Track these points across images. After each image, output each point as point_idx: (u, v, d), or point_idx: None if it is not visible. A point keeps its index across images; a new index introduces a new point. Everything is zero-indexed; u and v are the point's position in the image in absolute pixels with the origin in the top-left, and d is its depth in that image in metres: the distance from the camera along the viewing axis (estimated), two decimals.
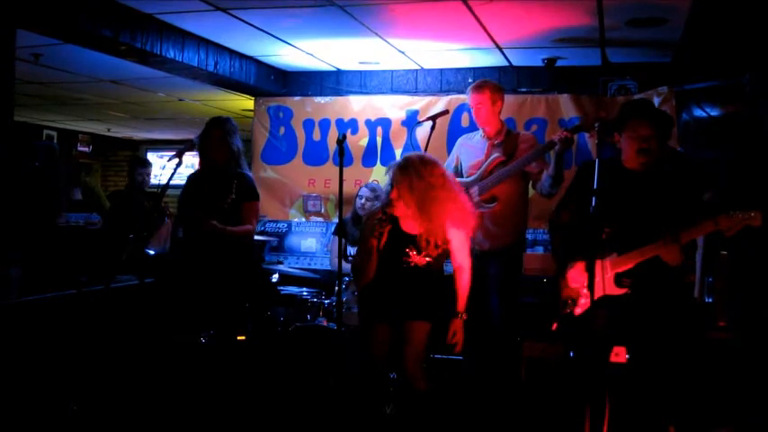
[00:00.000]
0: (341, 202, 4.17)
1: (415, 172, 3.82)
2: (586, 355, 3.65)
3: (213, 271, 4.47)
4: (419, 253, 3.97)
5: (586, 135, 5.79)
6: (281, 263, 6.46)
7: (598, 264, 3.55)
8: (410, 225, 3.98)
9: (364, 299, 4.23)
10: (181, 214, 4.76)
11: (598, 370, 3.25)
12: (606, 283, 3.52)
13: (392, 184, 3.87)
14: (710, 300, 4.56)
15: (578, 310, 3.66)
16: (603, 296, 3.53)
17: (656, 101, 5.83)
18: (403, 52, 6.07)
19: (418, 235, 3.95)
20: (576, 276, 3.69)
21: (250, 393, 4.78)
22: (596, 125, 3.52)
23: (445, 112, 5.29)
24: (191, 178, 4.81)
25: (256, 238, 6.01)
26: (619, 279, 3.52)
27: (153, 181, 7.34)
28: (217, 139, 4.54)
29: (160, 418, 4.37)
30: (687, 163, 4.52)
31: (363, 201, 5.50)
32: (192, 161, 10.64)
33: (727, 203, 3.33)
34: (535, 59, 6.09)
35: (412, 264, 3.98)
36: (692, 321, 4.56)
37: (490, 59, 6.18)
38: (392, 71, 6.80)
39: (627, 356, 3.59)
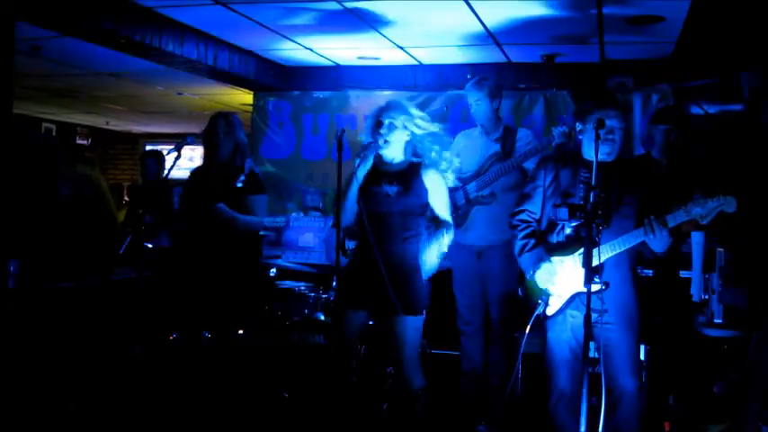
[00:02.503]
0: (339, 196, 4.17)
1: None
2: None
3: (216, 265, 4.48)
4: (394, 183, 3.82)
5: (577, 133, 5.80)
6: (278, 257, 6.47)
7: (569, 260, 3.54)
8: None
9: (345, 279, 4.00)
10: (184, 207, 4.77)
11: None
12: (578, 280, 3.37)
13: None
14: (707, 296, 4.58)
15: (551, 310, 3.60)
16: (577, 293, 3.49)
17: (654, 98, 5.85)
18: (402, 48, 6.08)
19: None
20: (544, 275, 3.61)
21: (247, 389, 4.79)
22: (594, 121, 3.49)
23: (444, 108, 5.30)
24: (194, 172, 4.82)
25: None
26: (591, 274, 3.35)
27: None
28: (222, 134, 4.56)
29: (158, 416, 4.38)
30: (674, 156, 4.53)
31: None
32: (190, 154, 10.62)
33: (702, 192, 3.28)
34: (534, 56, 6.10)
35: (385, 193, 3.81)
36: (686, 317, 4.59)
37: (489, 56, 6.19)
38: (391, 66, 6.81)
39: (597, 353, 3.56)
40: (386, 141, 3.83)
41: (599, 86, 6.13)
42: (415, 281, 3.85)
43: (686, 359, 4.40)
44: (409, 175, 3.86)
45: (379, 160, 3.92)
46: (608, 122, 3.46)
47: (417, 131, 3.85)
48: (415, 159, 3.90)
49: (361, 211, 3.86)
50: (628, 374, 3.49)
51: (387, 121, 3.82)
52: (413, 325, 3.82)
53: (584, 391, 3.04)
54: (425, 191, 3.84)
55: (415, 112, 3.88)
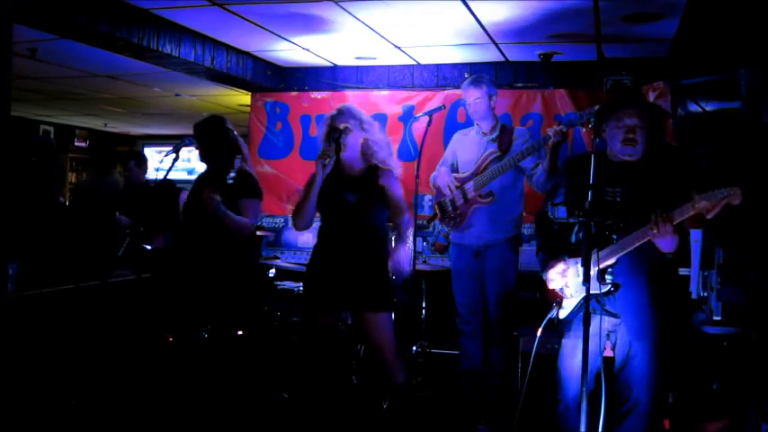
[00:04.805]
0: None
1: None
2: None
3: (209, 266, 4.46)
4: (355, 191, 3.97)
5: (582, 129, 5.81)
6: (277, 258, 6.47)
7: (579, 263, 3.47)
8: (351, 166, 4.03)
9: (308, 278, 4.18)
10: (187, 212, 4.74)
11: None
12: (591, 282, 3.22)
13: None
14: (706, 294, 4.58)
15: (563, 312, 3.56)
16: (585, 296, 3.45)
17: (652, 96, 5.84)
18: (399, 47, 6.08)
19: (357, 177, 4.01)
20: (554, 275, 3.59)
21: (246, 389, 4.79)
22: (591, 120, 3.48)
23: (442, 108, 5.31)
24: (197, 178, 4.79)
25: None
26: (602, 276, 3.37)
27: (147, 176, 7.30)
28: (204, 143, 4.53)
29: (158, 414, 4.38)
30: (678, 154, 4.50)
31: None
32: (188, 155, 10.63)
33: (706, 186, 3.23)
34: (531, 54, 6.10)
35: (348, 201, 3.93)
36: (685, 315, 4.58)
37: (486, 55, 6.19)
38: (389, 66, 6.81)
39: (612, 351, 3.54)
40: (345, 145, 3.94)
41: (597, 84, 6.12)
42: (383, 278, 3.99)
43: (685, 356, 4.40)
44: (369, 180, 4.00)
45: (337, 165, 3.99)
46: (627, 121, 3.43)
47: (371, 135, 4.00)
48: (372, 163, 4.02)
49: (324, 215, 4.04)
50: (642, 386, 3.44)
51: (343, 126, 3.92)
52: (387, 320, 3.96)
53: (584, 390, 3.03)
54: (383, 193, 3.98)
55: (366, 116, 4.05)
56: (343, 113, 3.99)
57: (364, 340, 4.04)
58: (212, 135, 4.48)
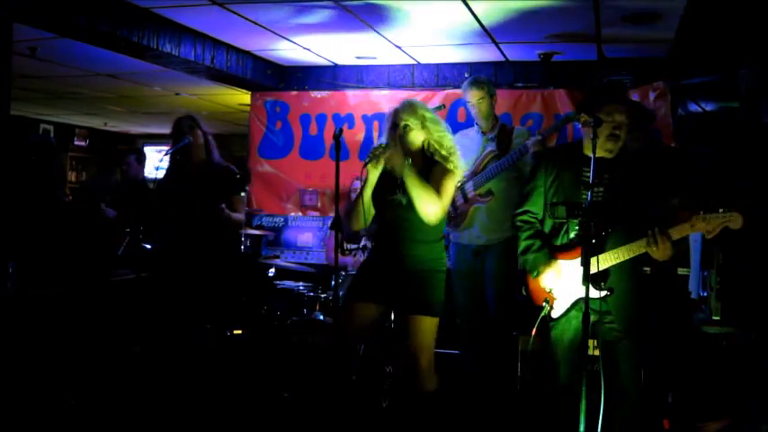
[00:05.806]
0: (337, 196, 4.16)
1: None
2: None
3: (200, 264, 4.48)
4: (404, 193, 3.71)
5: (581, 128, 5.80)
6: (277, 257, 6.47)
7: (574, 264, 3.49)
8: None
9: (358, 274, 4.02)
10: (170, 209, 4.74)
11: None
12: (580, 284, 3.28)
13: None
14: (705, 293, 4.59)
15: (555, 312, 3.57)
16: (581, 298, 3.36)
17: (652, 96, 5.85)
18: (399, 47, 6.08)
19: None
20: (550, 276, 3.58)
21: (247, 389, 4.79)
22: (592, 120, 3.47)
23: (442, 107, 5.31)
24: (168, 175, 4.81)
25: (253, 232, 6.04)
26: (597, 280, 3.35)
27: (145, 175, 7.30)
28: (191, 133, 4.58)
29: (157, 412, 4.39)
30: (677, 155, 4.50)
31: None
32: None
33: (704, 204, 3.26)
34: (531, 54, 6.10)
35: (397, 201, 3.73)
36: (684, 314, 4.59)
37: (486, 54, 6.18)
38: (389, 66, 6.80)
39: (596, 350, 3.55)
40: (404, 143, 3.74)
41: (600, 83, 6.12)
42: (432, 283, 3.79)
43: (685, 356, 4.41)
44: (425, 179, 3.73)
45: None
46: (617, 117, 3.43)
47: (431, 133, 3.77)
48: (433, 161, 3.78)
49: (378, 216, 3.84)
50: (629, 377, 3.47)
51: (403, 123, 3.74)
52: (430, 326, 3.78)
53: (584, 389, 3.04)
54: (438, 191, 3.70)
55: (429, 114, 3.79)
56: (403, 110, 3.77)
57: (403, 343, 3.82)
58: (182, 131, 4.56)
